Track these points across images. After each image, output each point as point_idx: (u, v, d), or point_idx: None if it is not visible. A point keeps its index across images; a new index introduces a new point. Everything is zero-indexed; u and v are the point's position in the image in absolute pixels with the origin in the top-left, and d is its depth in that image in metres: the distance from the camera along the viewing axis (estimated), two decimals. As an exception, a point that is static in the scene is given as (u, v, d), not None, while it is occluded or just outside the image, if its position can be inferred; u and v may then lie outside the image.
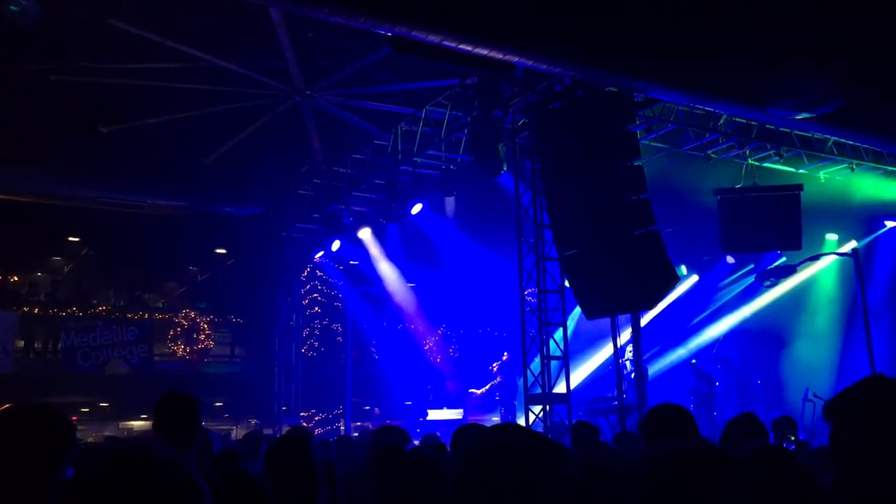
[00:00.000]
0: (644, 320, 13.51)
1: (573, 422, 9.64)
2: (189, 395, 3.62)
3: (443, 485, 3.00)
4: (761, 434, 4.11)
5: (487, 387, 15.68)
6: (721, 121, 12.48)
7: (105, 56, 12.63)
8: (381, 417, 17.66)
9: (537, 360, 11.17)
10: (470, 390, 16.35)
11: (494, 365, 15.59)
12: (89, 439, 13.36)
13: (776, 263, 15.41)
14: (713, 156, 12.95)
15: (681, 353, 17.53)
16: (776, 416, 7.08)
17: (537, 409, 11.03)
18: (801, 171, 14.01)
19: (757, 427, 4.15)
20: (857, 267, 12.81)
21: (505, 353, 15.61)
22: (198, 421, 3.53)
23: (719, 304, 17.91)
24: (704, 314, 17.95)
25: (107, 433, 16.18)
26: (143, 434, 16.25)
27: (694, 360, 15.70)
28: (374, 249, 17.26)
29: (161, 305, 19.41)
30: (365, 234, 16.41)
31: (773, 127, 12.54)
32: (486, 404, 15.99)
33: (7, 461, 2.05)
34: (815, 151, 13.53)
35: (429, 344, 20.14)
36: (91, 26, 11.65)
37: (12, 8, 8.68)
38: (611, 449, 6.04)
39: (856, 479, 1.71)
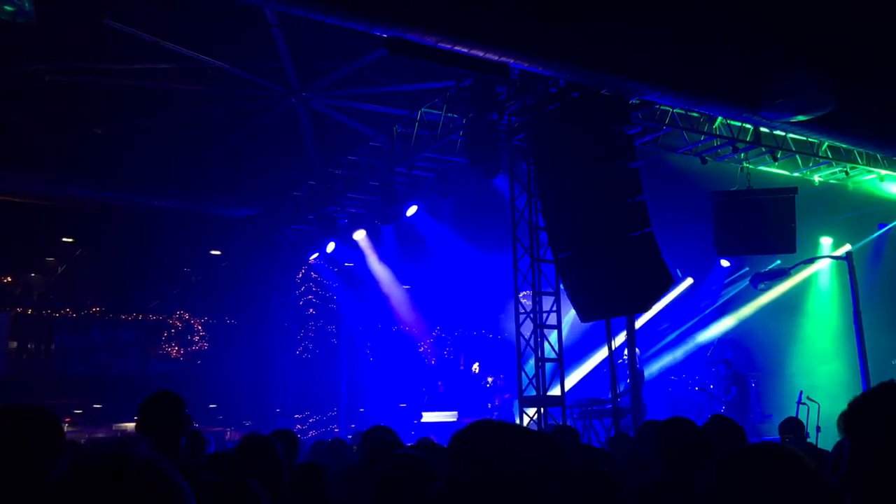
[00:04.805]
0: (639, 323, 13.53)
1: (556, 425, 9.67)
2: (171, 393, 3.57)
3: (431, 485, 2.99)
4: (741, 437, 4.29)
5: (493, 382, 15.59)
6: (716, 124, 12.51)
7: (100, 57, 12.60)
8: (376, 419, 17.62)
9: (532, 361, 11.17)
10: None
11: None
12: (82, 441, 13.29)
13: (770, 266, 15.44)
14: (708, 159, 12.98)
15: (676, 355, 17.56)
16: (770, 418, 7.12)
17: (531, 411, 11.02)
18: (795, 174, 14.06)
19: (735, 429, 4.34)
20: (851, 270, 12.88)
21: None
22: (180, 419, 3.48)
23: (714, 306, 17.93)
24: (699, 317, 17.97)
25: (100, 435, 16.10)
26: (126, 435, 16.19)
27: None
28: (369, 251, 17.24)
29: (155, 307, 19.34)
30: (360, 235, 16.39)
31: (767, 130, 12.57)
32: (482, 408, 15.96)
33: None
34: (810, 155, 13.58)
35: (423, 346, 20.12)
36: (86, 27, 11.63)
37: (7, 8, 8.64)
38: (600, 450, 6.07)
39: (878, 494, 1.63)
